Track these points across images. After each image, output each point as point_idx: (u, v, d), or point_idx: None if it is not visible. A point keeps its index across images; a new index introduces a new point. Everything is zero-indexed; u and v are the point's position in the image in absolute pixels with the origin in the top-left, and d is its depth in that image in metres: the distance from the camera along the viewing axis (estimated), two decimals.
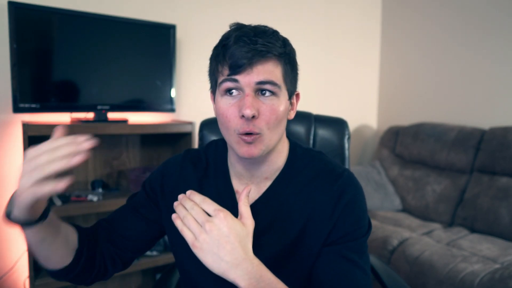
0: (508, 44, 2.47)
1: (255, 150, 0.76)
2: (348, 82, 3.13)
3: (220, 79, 0.76)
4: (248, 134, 0.75)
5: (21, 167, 0.62)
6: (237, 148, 0.76)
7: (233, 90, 0.75)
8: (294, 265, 0.81)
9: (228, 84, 0.75)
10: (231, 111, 0.75)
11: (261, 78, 0.74)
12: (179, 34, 2.22)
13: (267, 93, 0.75)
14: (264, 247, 0.80)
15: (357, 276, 0.77)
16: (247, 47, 0.72)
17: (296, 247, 0.80)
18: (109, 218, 0.93)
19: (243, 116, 0.73)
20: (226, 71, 0.75)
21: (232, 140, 0.77)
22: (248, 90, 0.74)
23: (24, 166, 0.61)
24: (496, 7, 2.52)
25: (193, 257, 0.71)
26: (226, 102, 0.76)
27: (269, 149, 0.79)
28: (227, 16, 2.40)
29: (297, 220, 0.81)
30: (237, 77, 0.73)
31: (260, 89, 0.75)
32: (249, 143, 0.75)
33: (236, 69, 0.73)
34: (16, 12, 1.65)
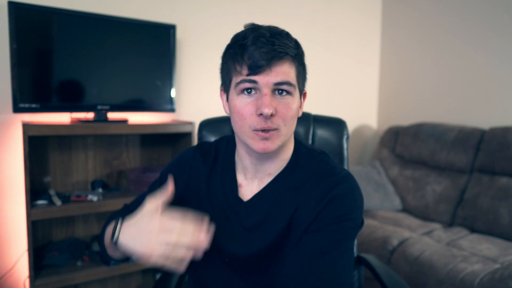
0: (508, 44, 2.47)
1: (272, 146, 0.79)
2: (348, 81, 3.12)
3: (238, 79, 0.78)
4: (265, 130, 0.78)
5: (153, 230, 0.69)
6: (251, 143, 0.79)
7: (251, 89, 0.78)
8: (284, 255, 0.82)
9: (247, 85, 0.77)
10: (247, 109, 0.78)
11: (278, 79, 0.77)
12: (179, 34, 2.22)
13: (284, 93, 0.78)
14: (256, 241, 0.83)
15: (323, 267, 0.76)
16: (265, 48, 0.75)
17: (284, 238, 0.82)
18: (132, 207, 0.97)
19: (260, 114, 0.76)
20: (245, 71, 0.77)
21: (247, 136, 0.80)
22: (266, 90, 0.77)
23: (157, 233, 0.68)
24: (497, 7, 2.52)
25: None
26: (242, 101, 0.79)
27: (283, 144, 0.82)
28: (227, 16, 2.40)
29: (286, 213, 0.83)
30: (256, 77, 0.76)
31: (277, 89, 0.78)
32: (266, 139, 0.78)
33: (256, 69, 0.75)
34: (16, 12, 1.66)
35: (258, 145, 0.79)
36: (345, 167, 1.27)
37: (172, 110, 2.13)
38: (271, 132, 0.78)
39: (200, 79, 2.36)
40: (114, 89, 1.96)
